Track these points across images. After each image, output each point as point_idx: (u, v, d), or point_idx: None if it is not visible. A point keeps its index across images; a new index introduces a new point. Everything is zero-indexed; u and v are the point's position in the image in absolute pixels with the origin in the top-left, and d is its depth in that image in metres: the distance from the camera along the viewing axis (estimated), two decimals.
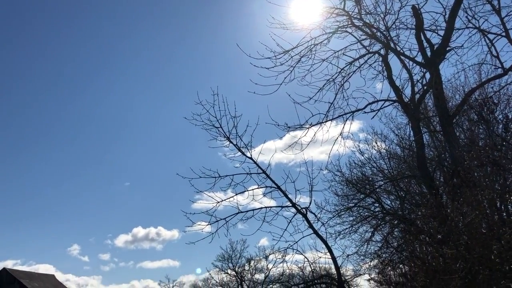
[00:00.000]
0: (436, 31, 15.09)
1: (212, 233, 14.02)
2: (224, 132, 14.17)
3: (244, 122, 13.84)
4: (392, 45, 15.38)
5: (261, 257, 60.68)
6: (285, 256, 16.57)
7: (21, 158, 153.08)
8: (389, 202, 20.36)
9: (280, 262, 16.77)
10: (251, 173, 14.22)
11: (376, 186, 19.34)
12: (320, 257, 15.70)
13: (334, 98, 15.36)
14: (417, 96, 15.51)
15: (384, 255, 16.28)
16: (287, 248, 14.58)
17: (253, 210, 14.19)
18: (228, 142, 14.32)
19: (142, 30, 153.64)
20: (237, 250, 75.09)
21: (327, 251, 14.79)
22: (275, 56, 14.85)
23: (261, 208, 14.22)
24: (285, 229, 14.09)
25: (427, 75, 15.18)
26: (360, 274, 22.19)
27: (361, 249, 18.89)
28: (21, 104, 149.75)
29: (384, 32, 15.35)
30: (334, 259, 14.78)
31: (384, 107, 16.01)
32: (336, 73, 15.46)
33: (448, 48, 14.70)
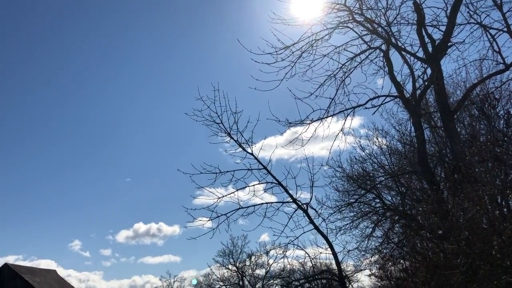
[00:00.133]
0: (438, 26, 15.07)
1: (213, 229, 14.06)
2: (225, 128, 14.18)
3: (245, 118, 13.86)
4: (393, 40, 15.34)
5: (262, 253, 60.90)
6: (286, 251, 16.64)
7: (23, 154, 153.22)
8: (390, 197, 20.39)
9: (281, 258, 16.87)
10: (252, 169, 14.24)
11: (377, 182, 19.36)
12: (320, 253, 15.76)
13: (335, 94, 15.36)
14: (418, 91, 15.48)
15: (385, 251, 16.31)
16: (288, 243, 14.65)
17: (254, 205, 14.23)
18: (229, 138, 14.33)
19: (143, 26, 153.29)
20: (238, 246, 75.24)
21: (327, 246, 14.83)
22: (276, 51, 14.84)
23: (262, 203, 14.26)
24: (286, 225, 14.15)
25: (428, 71, 15.16)
26: (361, 270, 22.28)
27: (361, 245, 18.94)
28: (23, 98, 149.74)
29: (385, 28, 15.32)
30: (334, 254, 14.83)
31: (385, 102, 16.01)
32: (337, 68, 15.46)
33: (449, 44, 14.65)
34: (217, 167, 13.85)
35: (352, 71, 15.61)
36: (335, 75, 15.44)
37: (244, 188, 14.23)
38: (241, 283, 76.02)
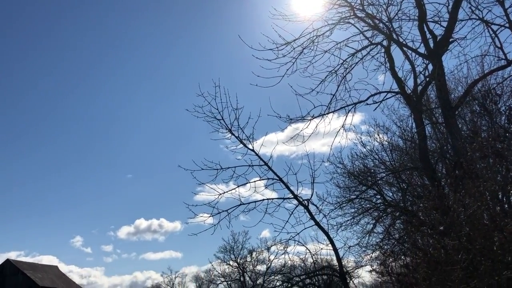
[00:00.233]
0: (439, 22, 15.02)
1: (214, 225, 14.10)
2: (226, 124, 14.19)
3: (246, 114, 13.86)
4: (394, 36, 15.30)
5: (263, 249, 61.05)
6: (287, 247, 16.70)
7: (24, 151, 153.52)
8: (391, 194, 20.41)
9: (282, 254, 16.92)
10: (253, 165, 14.26)
11: (378, 178, 19.36)
12: (321, 249, 15.80)
13: (336, 90, 15.34)
14: (420, 87, 15.46)
15: (385, 247, 16.34)
16: (289, 239, 14.67)
17: (255, 202, 14.26)
18: (230, 134, 14.35)
19: (144, 22, 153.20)
20: (239, 242, 75.48)
21: (328, 242, 14.87)
22: (277, 47, 14.80)
23: (263, 200, 14.29)
24: (287, 221, 14.17)
25: (430, 67, 15.12)
26: (362, 266, 22.30)
27: (362, 241, 18.96)
28: (25, 93, 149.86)
29: (387, 23, 15.27)
30: (335, 250, 14.85)
31: (387, 98, 15.99)
32: (338, 64, 15.44)
33: (451, 40, 14.60)
34: (218, 163, 13.88)
35: (353, 67, 15.60)
36: (336, 71, 15.43)
37: (245, 184, 14.27)
38: (242, 279, 76.25)
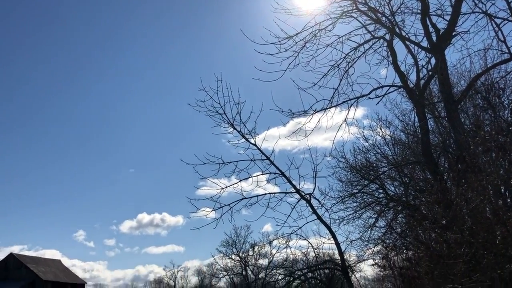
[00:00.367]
0: (442, 15, 14.94)
1: (217, 219, 14.11)
2: (228, 119, 14.16)
3: (248, 109, 13.82)
4: (397, 30, 15.23)
5: (265, 243, 61.29)
6: (289, 241, 16.74)
7: (28, 145, 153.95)
8: (393, 188, 20.40)
9: (284, 248, 16.94)
10: (255, 160, 14.24)
11: (380, 172, 19.34)
12: (323, 243, 15.85)
13: (338, 84, 15.28)
14: (422, 81, 15.41)
15: (388, 241, 16.36)
16: (291, 233, 14.69)
17: (257, 196, 14.25)
18: (231, 129, 14.31)
19: (147, 16, 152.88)
20: (241, 236, 75.80)
21: (330, 236, 14.89)
22: (279, 41, 14.74)
23: (265, 194, 14.28)
24: (289, 215, 14.15)
25: (433, 61, 15.06)
26: (364, 260, 22.38)
27: (364, 235, 18.99)
28: (28, 87, 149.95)
29: (389, 17, 15.20)
30: (337, 244, 14.87)
31: (389, 92, 15.94)
32: (341, 58, 15.37)
33: (454, 33, 14.54)
34: (220, 157, 13.87)
35: (356, 61, 15.53)
36: (338, 65, 15.37)
37: (247, 178, 14.25)
38: (244, 272, 76.57)
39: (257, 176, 14.31)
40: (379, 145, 20.12)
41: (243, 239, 75.52)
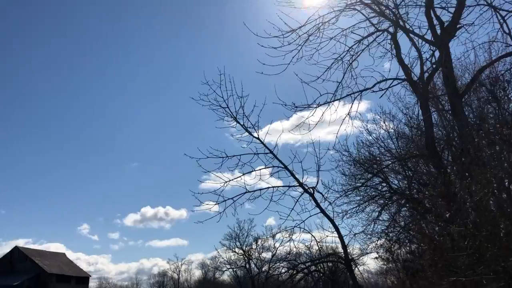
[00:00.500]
0: (447, 8, 14.81)
1: (220, 213, 14.15)
2: (231, 112, 14.16)
3: (251, 102, 13.82)
4: (401, 23, 15.12)
5: (268, 236, 61.38)
6: (292, 235, 16.76)
7: (33, 140, 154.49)
8: (396, 181, 20.36)
9: (287, 241, 16.97)
10: (258, 153, 14.25)
11: (384, 166, 19.31)
12: (327, 236, 15.85)
13: (342, 77, 15.21)
14: (426, 74, 15.32)
15: (391, 234, 16.37)
16: (294, 227, 14.72)
17: (260, 190, 14.28)
18: (235, 122, 14.33)
19: (150, 10, 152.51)
20: (245, 229, 76.03)
21: (334, 230, 14.91)
22: (282, 35, 14.65)
23: (268, 187, 14.31)
24: (292, 209, 14.19)
25: (437, 54, 14.95)
26: (367, 253, 22.38)
27: (368, 228, 18.98)
28: (35, 88, 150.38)
29: (393, 10, 15.09)
30: (341, 238, 14.90)
31: (393, 86, 15.86)
32: (344, 51, 15.29)
33: (458, 26, 14.42)
34: (224, 151, 13.90)
35: (360, 54, 15.45)
36: (342, 59, 15.30)
37: (250, 172, 14.27)
38: (247, 266, 76.86)
39: (260, 169, 14.35)
40: (382, 139, 20.07)
41: (247, 232, 75.78)
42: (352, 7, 15.13)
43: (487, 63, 15.35)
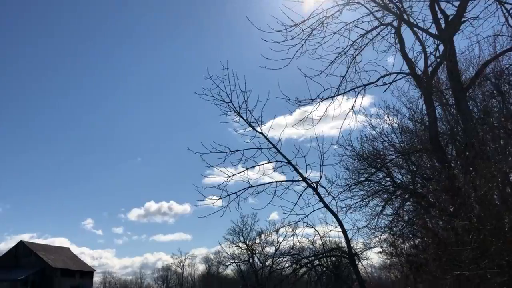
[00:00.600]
0: (451, 1, 14.69)
1: (223, 207, 14.17)
2: (234, 107, 14.13)
3: (254, 97, 13.78)
4: (405, 16, 15.04)
5: (271, 231, 61.53)
6: (296, 229, 16.81)
7: (37, 136, 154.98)
8: (400, 176, 20.33)
9: (291, 236, 17.04)
10: (261, 148, 14.23)
11: (387, 160, 19.27)
12: (330, 231, 15.90)
13: (346, 72, 15.16)
14: (430, 68, 15.24)
15: (395, 229, 16.37)
16: (298, 221, 14.75)
17: (263, 184, 14.28)
18: (238, 117, 14.29)
19: (154, 7, 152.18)
20: (248, 224, 76.19)
21: (337, 224, 14.92)
22: (286, 29, 14.59)
23: (272, 182, 14.31)
24: (296, 203, 14.18)
25: (441, 48, 14.87)
26: (371, 248, 22.41)
27: (371, 223, 18.98)
28: (40, 85, 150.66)
29: (397, 3, 15.00)
30: (344, 232, 14.91)
31: (397, 80, 15.78)
32: (348, 46, 15.22)
33: (463, 19, 14.32)
34: (227, 146, 13.89)
35: (363, 48, 15.38)
36: (346, 53, 15.23)
37: (253, 167, 14.26)
38: (251, 260, 77.08)
39: (263, 164, 14.33)
40: (386, 133, 20.02)
41: (250, 227, 75.95)
42: (356, 0, 15.05)
43: (491, 57, 15.26)
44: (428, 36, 15.08)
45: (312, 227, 15.34)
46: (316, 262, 18.58)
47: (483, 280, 7.62)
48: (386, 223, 18.52)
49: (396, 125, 20.01)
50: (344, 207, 18.25)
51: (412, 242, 12.52)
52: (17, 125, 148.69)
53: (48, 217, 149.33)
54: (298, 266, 17.78)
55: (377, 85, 15.31)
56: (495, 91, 14.31)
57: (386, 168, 19.11)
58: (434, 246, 8.27)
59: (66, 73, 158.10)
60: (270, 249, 73.44)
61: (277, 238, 66.37)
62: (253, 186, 14.18)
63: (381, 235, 18.85)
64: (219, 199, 14.10)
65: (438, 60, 15.20)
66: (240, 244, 76.46)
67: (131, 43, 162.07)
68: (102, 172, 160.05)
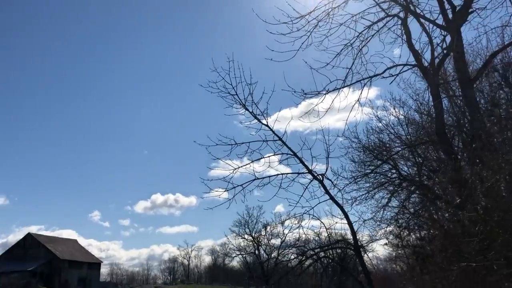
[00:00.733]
0: None
1: (229, 199, 14.21)
2: (240, 100, 14.11)
3: (260, 89, 13.75)
4: (411, 7, 14.90)
5: (277, 223, 61.74)
6: (301, 221, 16.83)
7: (44, 130, 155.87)
8: (406, 168, 20.27)
9: (296, 228, 17.06)
10: (267, 140, 14.23)
11: (393, 153, 19.22)
12: (336, 223, 15.88)
13: (352, 64, 15.05)
14: (437, 60, 15.12)
15: (401, 221, 16.36)
16: (303, 214, 14.74)
17: (269, 176, 14.30)
18: (243, 110, 14.27)
19: (161, 1, 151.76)
20: (254, 216, 76.58)
21: (343, 216, 14.93)
22: (291, 21, 14.50)
23: (278, 174, 14.32)
24: (301, 195, 14.18)
25: (448, 39, 14.74)
26: (376, 240, 22.41)
27: (377, 215, 18.96)
28: (49, 79, 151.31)
29: None
30: (350, 224, 14.93)
31: (403, 71, 15.66)
32: (354, 37, 15.10)
33: (470, 10, 14.18)
34: (233, 138, 13.89)
35: (370, 40, 15.24)
36: (352, 44, 15.13)
37: (259, 159, 14.26)
38: (257, 252, 77.47)
39: (269, 156, 14.33)
40: (392, 125, 19.94)
41: (256, 219, 76.32)
42: None
43: (499, 48, 15.11)
44: (435, 27, 14.94)
45: (318, 219, 15.35)
46: (322, 254, 18.60)
47: (489, 271, 7.61)
48: (392, 215, 18.51)
49: (402, 117, 19.94)
50: (350, 199, 18.24)
51: (418, 234, 12.51)
52: (26, 118, 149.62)
53: (56, 209, 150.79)
54: (304, 258, 17.83)
55: (383, 77, 15.22)
56: (502, 82, 14.19)
57: (392, 160, 19.07)
58: (441, 237, 8.27)
59: (76, 69, 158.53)
60: (276, 241, 73.84)
61: (283, 230, 66.63)
62: (259, 179, 14.22)
63: (387, 227, 18.86)
64: (225, 191, 14.15)
65: (445, 51, 15.07)
66: (246, 236, 76.89)
67: (137, 37, 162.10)
68: (109, 165, 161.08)
